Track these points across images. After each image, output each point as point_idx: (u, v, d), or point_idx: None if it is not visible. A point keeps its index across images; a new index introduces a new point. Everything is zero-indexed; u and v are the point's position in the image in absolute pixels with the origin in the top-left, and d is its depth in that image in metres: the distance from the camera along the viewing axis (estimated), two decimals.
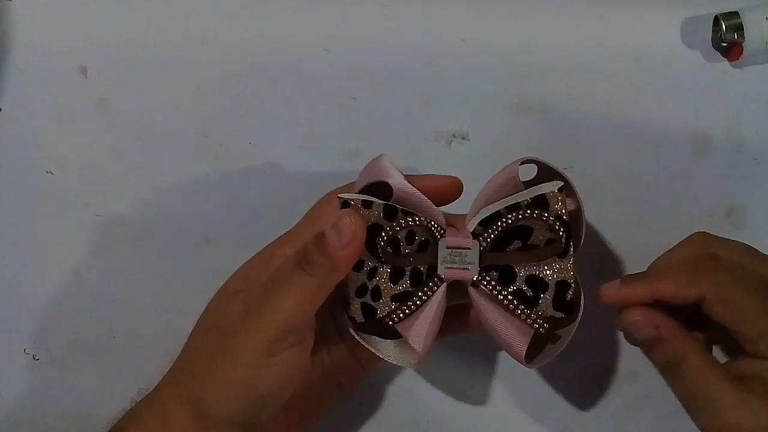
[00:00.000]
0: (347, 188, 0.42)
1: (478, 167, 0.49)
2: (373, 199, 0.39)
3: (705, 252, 0.42)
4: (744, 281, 0.40)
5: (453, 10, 0.51)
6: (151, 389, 0.41)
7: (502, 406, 0.47)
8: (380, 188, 0.40)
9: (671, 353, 0.41)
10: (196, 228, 0.49)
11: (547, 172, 0.40)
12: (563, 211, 0.39)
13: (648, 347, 0.42)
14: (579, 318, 0.39)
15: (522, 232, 0.40)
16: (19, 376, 0.47)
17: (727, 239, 0.43)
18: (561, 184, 0.39)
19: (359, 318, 0.39)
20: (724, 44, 0.49)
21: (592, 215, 0.48)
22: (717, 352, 0.45)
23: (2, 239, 0.48)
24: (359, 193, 0.40)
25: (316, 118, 0.50)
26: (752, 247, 0.43)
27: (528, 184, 0.40)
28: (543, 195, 0.39)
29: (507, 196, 0.40)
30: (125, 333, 0.47)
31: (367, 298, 0.40)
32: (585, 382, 0.47)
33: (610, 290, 0.42)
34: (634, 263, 0.48)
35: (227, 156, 0.49)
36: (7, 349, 0.47)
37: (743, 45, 0.49)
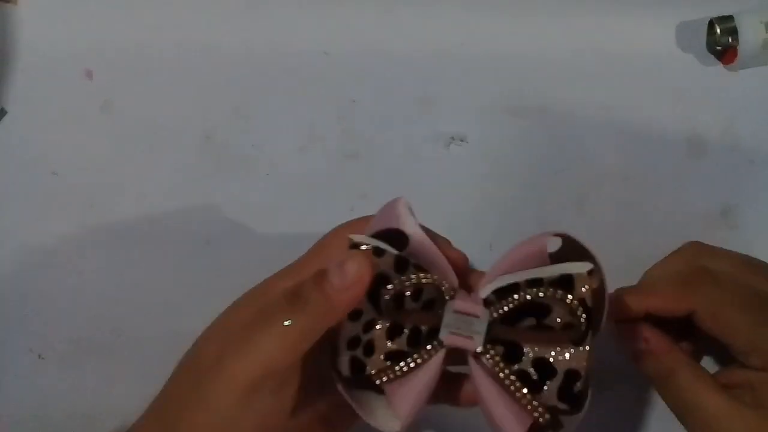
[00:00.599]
0: (359, 223, 0.39)
1: (477, 169, 0.49)
2: (386, 247, 0.35)
3: (696, 264, 0.42)
4: (735, 294, 0.40)
5: (452, 13, 0.51)
6: (129, 428, 0.38)
7: None
8: (395, 235, 0.37)
9: (660, 366, 0.41)
10: (198, 229, 0.49)
11: (573, 248, 0.36)
12: (588, 296, 0.35)
13: (638, 360, 0.42)
14: (584, 412, 0.35)
15: (538, 309, 0.36)
16: (25, 374, 0.47)
17: (720, 249, 0.43)
18: (591, 266, 0.35)
19: (345, 372, 0.35)
20: (719, 48, 0.50)
21: (588, 217, 0.49)
22: (709, 361, 0.45)
23: (8, 240, 0.48)
24: (372, 237, 0.36)
25: (316, 120, 0.50)
26: (745, 256, 0.43)
27: (552, 257, 0.36)
28: (570, 275, 0.35)
29: (530, 268, 0.36)
30: (129, 332, 0.47)
31: (359, 352, 0.36)
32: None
33: None
34: (630, 264, 0.47)
35: (229, 158, 0.50)
36: (13, 347, 0.47)
37: (737, 48, 0.49)
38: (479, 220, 0.49)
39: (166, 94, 0.50)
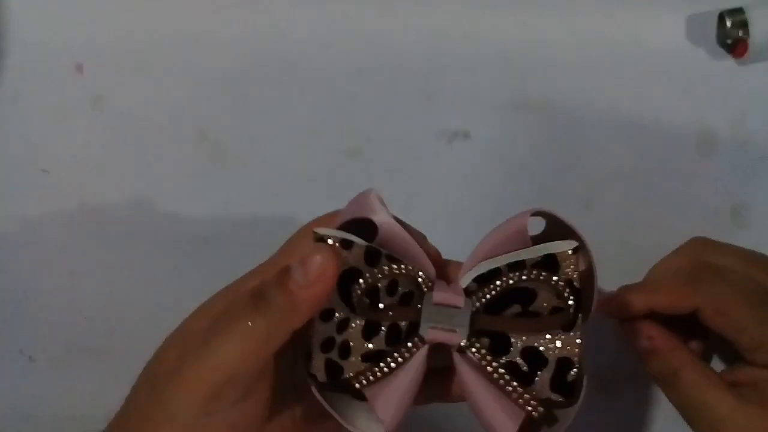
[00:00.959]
0: (329, 218, 0.37)
1: (480, 166, 0.49)
2: (354, 238, 0.34)
3: (701, 261, 0.42)
4: (740, 291, 0.40)
5: (454, 6, 0.50)
6: None
7: None
8: (363, 226, 0.35)
9: (665, 365, 0.41)
10: (194, 228, 0.48)
11: (557, 227, 0.35)
12: (575, 276, 0.34)
13: (643, 359, 0.42)
14: (580, 402, 0.33)
15: (523, 295, 0.35)
16: (16, 377, 0.47)
17: (726, 245, 0.43)
18: (575, 244, 0.34)
19: (322, 377, 0.34)
20: (729, 41, 0.49)
21: (595, 215, 0.48)
22: (716, 361, 0.45)
23: None
24: (339, 229, 0.35)
25: (315, 116, 0.50)
26: (752, 252, 0.43)
27: (536, 239, 0.35)
28: (554, 255, 0.34)
29: (511, 252, 0.35)
30: (123, 334, 0.47)
31: (334, 354, 0.34)
32: (590, 384, 0.47)
33: (607, 303, 0.42)
34: (637, 262, 0.47)
35: (226, 155, 0.49)
36: (3, 350, 0.47)
37: (748, 42, 0.48)
38: (482, 219, 0.47)
39: (160, 90, 0.50)
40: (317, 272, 0.31)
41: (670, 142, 0.49)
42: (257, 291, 0.32)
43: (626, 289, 0.42)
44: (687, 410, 0.40)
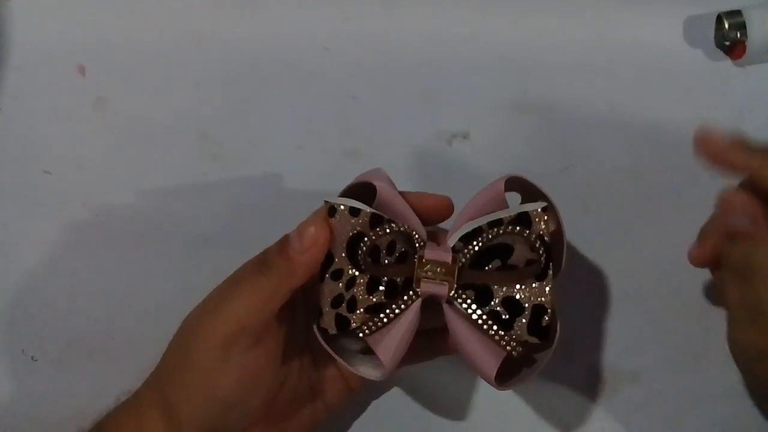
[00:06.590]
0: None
1: (479, 166, 0.49)
2: (361, 206, 0.38)
3: None
4: None
5: (454, 8, 0.51)
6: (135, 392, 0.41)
7: (504, 406, 0.47)
8: (365, 190, 0.39)
9: (753, 255, 0.36)
10: (195, 228, 0.48)
11: (531, 193, 0.40)
12: (545, 232, 0.38)
13: (730, 237, 0.38)
14: (555, 344, 0.38)
15: (502, 251, 0.39)
16: (17, 376, 0.47)
17: None
18: (545, 204, 0.38)
19: (332, 330, 0.38)
20: (727, 43, 0.49)
21: (594, 214, 0.48)
22: None
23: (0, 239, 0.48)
24: (345, 193, 0.40)
25: (315, 117, 0.50)
26: None
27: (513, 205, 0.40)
28: (527, 213, 0.38)
29: (490, 213, 0.40)
30: (123, 334, 0.47)
31: (342, 309, 0.39)
32: (587, 383, 0.47)
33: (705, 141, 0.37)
34: (635, 263, 0.48)
35: (226, 155, 0.49)
36: (5, 349, 0.47)
37: (746, 44, 0.49)
38: None
39: (161, 91, 0.50)
40: (311, 240, 0.37)
41: (668, 143, 0.49)
42: (261, 258, 0.38)
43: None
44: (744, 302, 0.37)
